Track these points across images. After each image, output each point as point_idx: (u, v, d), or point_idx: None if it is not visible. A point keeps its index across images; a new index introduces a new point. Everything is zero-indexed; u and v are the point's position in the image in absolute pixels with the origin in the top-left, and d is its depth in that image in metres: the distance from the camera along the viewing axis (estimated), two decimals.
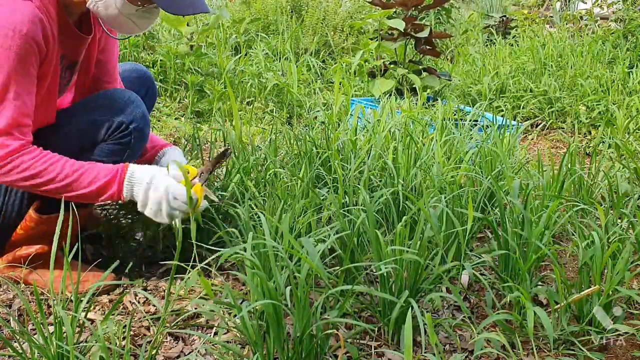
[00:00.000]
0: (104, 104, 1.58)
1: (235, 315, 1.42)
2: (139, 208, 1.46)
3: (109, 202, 1.88)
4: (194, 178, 1.51)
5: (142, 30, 1.54)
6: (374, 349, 1.34)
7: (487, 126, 2.54)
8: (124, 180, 1.44)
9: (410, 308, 1.20)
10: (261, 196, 1.83)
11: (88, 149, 1.55)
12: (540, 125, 3.75)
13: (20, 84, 1.35)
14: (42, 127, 1.53)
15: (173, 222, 1.47)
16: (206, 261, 1.27)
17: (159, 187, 1.44)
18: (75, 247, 1.39)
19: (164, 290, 1.59)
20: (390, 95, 3.27)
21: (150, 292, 1.60)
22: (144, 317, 1.45)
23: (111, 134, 1.54)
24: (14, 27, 1.31)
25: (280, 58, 4.36)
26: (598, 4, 5.95)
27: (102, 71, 1.72)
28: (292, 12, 5.36)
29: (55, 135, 1.53)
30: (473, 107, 3.33)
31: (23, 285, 1.57)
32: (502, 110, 3.81)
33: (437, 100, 2.97)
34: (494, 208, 1.85)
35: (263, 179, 1.89)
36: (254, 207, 1.77)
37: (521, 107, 3.91)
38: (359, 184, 1.74)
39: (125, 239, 1.77)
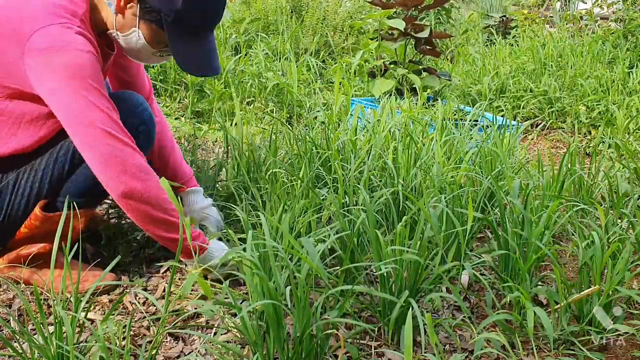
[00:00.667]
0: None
1: (235, 315, 1.42)
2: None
3: (109, 202, 1.89)
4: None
5: (159, 63, 1.60)
6: (374, 349, 1.34)
7: (487, 126, 2.54)
8: (199, 254, 1.53)
9: (410, 308, 1.20)
10: (260, 196, 1.83)
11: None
12: (540, 125, 3.75)
13: (103, 94, 1.42)
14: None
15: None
16: (209, 263, 1.28)
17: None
18: (75, 247, 1.39)
19: (164, 290, 1.59)
20: (390, 95, 3.27)
21: (150, 292, 1.60)
22: (144, 317, 1.45)
23: None
24: (82, 48, 1.38)
25: (280, 58, 4.36)
26: (598, 4, 5.95)
27: (123, 83, 1.78)
28: (292, 12, 5.35)
29: (67, 136, 1.55)
30: (473, 107, 3.33)
31: (23, 285, 1.57)
32: (502, 110, 3.81)
33: (437, 100, 2.97)
34: (494, 208, 1.85)
35: (263, 179, 1.89)
36: (254, 208, 1.77)
37: (521, 107, 3.91)
38: (359, 184, 1.74)
39: (125, 239, 1.77)
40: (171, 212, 1.47)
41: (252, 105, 3.49)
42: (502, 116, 3.46)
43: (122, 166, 1.41)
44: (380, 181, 1.88)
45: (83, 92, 1.37)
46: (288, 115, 3.54)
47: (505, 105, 3.87)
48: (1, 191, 1.50)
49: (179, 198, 1.81)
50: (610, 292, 1.40)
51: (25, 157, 1.49)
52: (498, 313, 1.38)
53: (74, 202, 1.47)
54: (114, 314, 1.46)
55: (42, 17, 1.38)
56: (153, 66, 3.51)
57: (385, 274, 1.36)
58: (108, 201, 1.89)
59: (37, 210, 1.53)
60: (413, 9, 3.74)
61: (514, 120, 3.59)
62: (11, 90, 1.43)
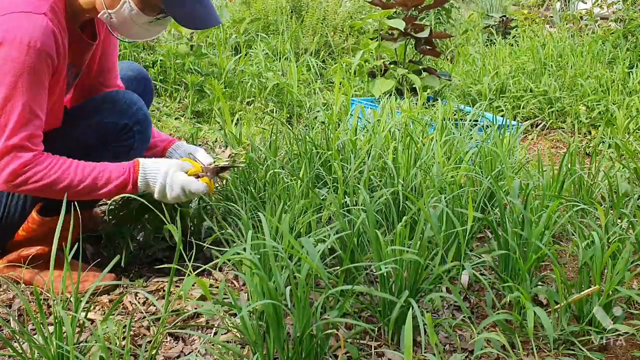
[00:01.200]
0: (108, 107, 1.60)
1: (235, 315, 1.42)
2: (156, 197, 1.52)
3: (108, 202, 1.89)
4: (200, 172, 1.57)
5: (153, 37, 1.57)
6: (374, 349, 1.34)
7: (487, 126, 2.54)
8: (137, 178, 1.48)
9: (410, 308, 1.20)
10: (260, 197, 1.83)
11: (93, 151, 1.56)
12: (540, 125, 3.75)
13: (35, 99, 1.37)
14: (48, 130, 1.54)
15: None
16: (211, 263, 1.28)
17: (174, 187, 1.50)
18: (75, 247, 1.39)
19: (164, 290, 1.59)
20: (390, 95, 3.27)
21: (150, 292, 1.60)
22: (144, 317, 1.45)
23: (116, 136, 1.56)
24: (29, 42, 1.33)
25: (280, 58, 4.36)
26: (598, 4, 5.95)
27: (104, 70, 1.74)
28: (292, 12, 5.35)
29: (62, 138, 1.55)
30: (473, 107, 3.33)
31: (23, 285, 1.57)
32: (502, 110, 3.81)
33: (437, 100, 2.97)
34: (494, 208, 1.85)
35: (263, 179, 1.89)
36: (254, 208, 1.77)
37: (521, 107, 3.91)
38: (359, 184, 1.74)
39: (125, 239, 1.77)
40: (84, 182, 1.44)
41: (252, 105, 3.49)
42: (502, 116, 3.46)
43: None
44: (380, 181, 1.88)
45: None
46: (288, 115, 3.54)
47: (505, 105, 3.87)
48: None
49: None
50: (610, 292, 1.40)
51: None
52: (498, 313, 1.38)
53: (71, 204, 1.47)
54: (114, 314, 1.46)
55: (4, 4, 1.36)
56: (153, 66, 3.51)
57: (385, 274, 1.36)
58: (108, 201, 1.89)
59: (34, 213, 1.53)
60: (413, 9, 3.74)
61: (514, 120, 3.59)
62: None
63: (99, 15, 1.49)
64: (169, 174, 1.49)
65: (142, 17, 1.46)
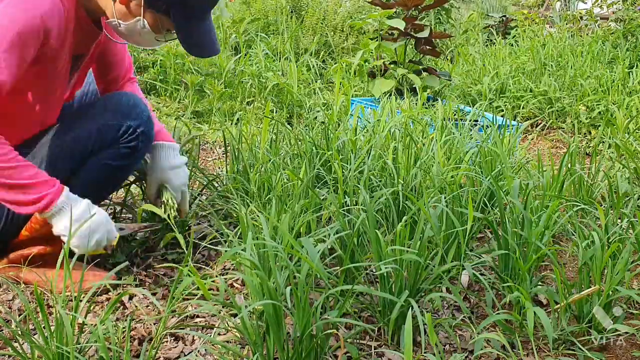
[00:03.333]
0: (112, 108, 1.60)
1: (235, 316, 1.42)
2: (55, 232, 1.45)
3: (109, 201, 1.88)
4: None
5: (156, 47, 1.60)
6: (374, 349, 1.34)
7: (487, 126, 2.54)
8: (58, 198, 1.41)
9: (410, 308, 1.20)
10: (258, 196, 1.83)
11: (96, 152, 1.56)
12: (540, 125, 3.75)
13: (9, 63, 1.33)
14: (45, 129, 1.54)
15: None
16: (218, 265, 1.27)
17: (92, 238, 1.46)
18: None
19: (164, 290, 1.59)
20: (390, 95, 3.27)
21: (150, 292, 1.60)
22: (144, 317, 1.45)
23: (120, 137, 1.56)
24: (33, 11, 1.33)
25: (280, 58, 4.36)
26: (598, 4, 5.95)
27: (110, 63, 1.76)
28: (292, 12, 5.35)
29: (64, 137, 1.54)
30: (473, 107, 3.33)
31: (23, 285, 1.57)
32: (502, 110, 3.81)
33: (437, 100, 2.97)
34: (494, 208, 1.85)
35: (263, 179, 1.89)
36: (254, 208, 1.77)
37: (521, 107, 3.91)
38: (359, 184, 1.74)
39: (126, 239, 1.77)
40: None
41: (252, 105, 3.49)
42: (502, 116, 3.46)
43: None
44: (380, 181, 1.88)
45: None
46: (288, 115, 3.54)
47: (505, 105, 3.87)
48: None
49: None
50: (610, 292, 1.40)
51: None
52: (498, 313, 1.38)
53: None
54: (113, 314, 1.46)
55: None
56: (153, 66, 3.51)
57: (385, 274, 1.36)
58: (108, 201, 1.89)
59: (36, 214, 1.53)
60: (413, 9, 3.74)
61: (514, 120, 3.59)
62: None
63: (107, 21, 1.51)
64: (94, 231, 1.45)
65: (151, 35, 1.50)
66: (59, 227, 1.43)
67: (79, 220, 1.42)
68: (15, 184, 1.38)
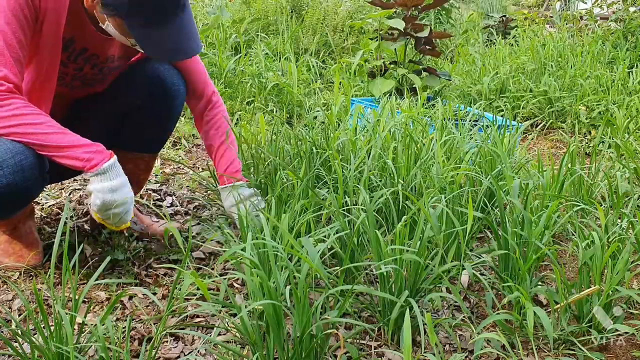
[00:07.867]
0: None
1: (235, 315, 1.42)
2: (88, 189, 1.50)
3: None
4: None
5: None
6: (374, 349, 1.34)
7: (487, 126, 2.54)
8: (108, 160, 1.48)
9: (410, 308, 1.20)
10: (257, 196, 1.83)
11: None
12: (540, 125, 3.75)
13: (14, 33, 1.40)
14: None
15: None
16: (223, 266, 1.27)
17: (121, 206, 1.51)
18: (75, 247, 1.39)
19: (164, 290, 1.59)
20: (390, 95, 3.27)
21: (150, 292, 1.60)
22: (144, 317, 1.45)
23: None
24: None
25: (280, 58, 4.36)
26: (598, 4, 5.95)
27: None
28: (292, 12, 5.35)
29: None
30: (473, 107, 3.32)
31: (23, 285, 1.57)
32: (502, 110, 3.81)
33: (437, 100, 2.97)
34: (494, 208, 1.85)
35: (262, 178, 1.89)
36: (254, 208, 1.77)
37: (521, 107, 3.90)
38: (358, 184, 1.74)
39: (126, 239, 1.77)
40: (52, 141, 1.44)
41: (252, 105, 3.49)
42: (502, 116, 3.46)
43: None
44: (380, 181, 1.88)
45: None
46: (288, 115, 3.54)
47: (505, 105, 3.87)
48: None
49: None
50: (610, 292, 1.40)
51: None
52: (498, 313, 1.38)
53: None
54: (113, 314, 1.46)
55: None
56: None
57: (385, 274, 1.36)
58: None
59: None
60: (413, 8, 3.74)
61: (514, 120, 3.59)
62: None
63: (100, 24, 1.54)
64: (128, 203, 1.51)
65: (123, 39, 1.51)
66: (96, 186, 1.47)
67: (114, 189, 1.47)
68: (66, 145, 1.44)
